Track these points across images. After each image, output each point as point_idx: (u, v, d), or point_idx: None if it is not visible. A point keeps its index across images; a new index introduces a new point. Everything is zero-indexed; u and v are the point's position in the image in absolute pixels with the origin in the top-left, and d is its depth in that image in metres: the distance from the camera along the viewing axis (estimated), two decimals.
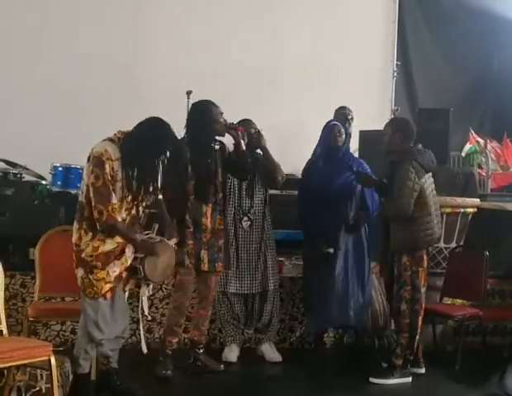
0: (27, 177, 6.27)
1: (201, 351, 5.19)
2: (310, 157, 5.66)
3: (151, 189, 4.26)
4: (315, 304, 5.43)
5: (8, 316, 4.55)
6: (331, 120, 5.69)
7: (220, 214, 5.09)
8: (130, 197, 4.15)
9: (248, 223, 5.45)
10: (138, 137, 4.12)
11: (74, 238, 4.17)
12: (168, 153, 4.13)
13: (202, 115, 4.98)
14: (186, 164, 4.87)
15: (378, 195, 5.39)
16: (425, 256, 5.07)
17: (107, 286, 4.14)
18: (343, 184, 5.39)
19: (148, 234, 4.33)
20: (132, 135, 4.15)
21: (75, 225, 4.19)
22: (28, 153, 6.34)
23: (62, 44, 7.33)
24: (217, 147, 5.12)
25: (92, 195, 4.06)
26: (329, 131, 5.50)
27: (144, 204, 4.30)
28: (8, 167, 6.05)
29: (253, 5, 8.03)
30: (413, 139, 5.10)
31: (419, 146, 5.11)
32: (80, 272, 4.14)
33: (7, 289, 4.91)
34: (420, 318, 5.07)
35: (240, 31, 7.94)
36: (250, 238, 5.47)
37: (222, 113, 5.00)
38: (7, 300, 4.70)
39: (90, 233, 4.11)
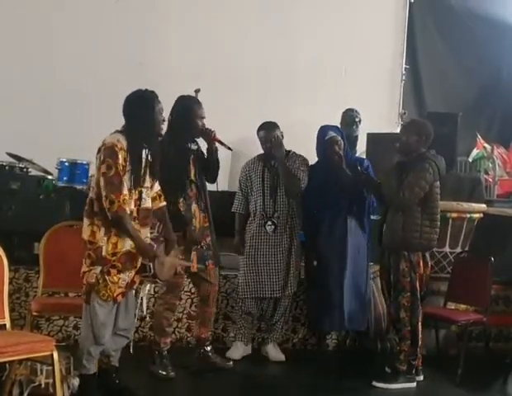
0: (33, 172, 6.27)
1: (209, 348, 5.12)
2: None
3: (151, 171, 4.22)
4: (315, 305, 5.41)
5: (11, 310, 4.56)
6: (325, 128, 5.41)
7: (204, 212, 4.98)
8: (137, 188, 4.10)
9: (272, 227, 5.34)
10: (131, 112, 4.16)
11: (86, 235, 4.08)
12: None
13: (186, 112, 4.88)
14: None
15: (376, 199, 5.37)
16: (421, 262, 5.02)
17: (119, 290, 4.09)
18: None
19: (152, 233, 4.33)
20: (125, 114, 4.20)
21: (85, 221, 4.11)
22: (35, 147, 6.32)
23: (73, 42, 7.33)
24: (195, 147, 5.03)
25: (102, 184, 3.99)
26: (325, 146, 5.32)
27: (149, 192, 4.23)
28: (14, 160, 6.03)
29: (265, 5, 8.02)
30: (428, 143, 5.07)
31: (433, 151, 5.10)
32: (96, 270, 4.04)
33: (10, 283, 4.89)
34: (420, 323, 5.04)
35: (252, 31, 7.92)
36: (274, 243, 5.37)
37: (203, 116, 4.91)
38: (10, 294, 4.69)
39: (103, 229, 4.04)
